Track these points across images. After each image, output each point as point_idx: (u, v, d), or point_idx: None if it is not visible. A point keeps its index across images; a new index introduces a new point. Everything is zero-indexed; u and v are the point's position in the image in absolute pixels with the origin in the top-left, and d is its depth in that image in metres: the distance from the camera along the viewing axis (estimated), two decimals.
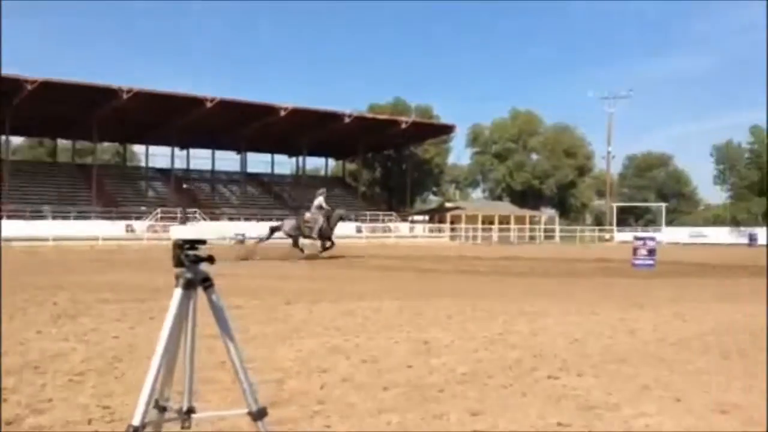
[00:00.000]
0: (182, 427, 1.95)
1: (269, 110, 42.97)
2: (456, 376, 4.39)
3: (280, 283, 11.90)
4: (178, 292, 1.88)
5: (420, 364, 4.73)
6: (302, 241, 21.32)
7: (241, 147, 49.23)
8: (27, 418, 3.31)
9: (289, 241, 21.57)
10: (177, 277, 1.89)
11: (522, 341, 5.71)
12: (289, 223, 21.77)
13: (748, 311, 7.77)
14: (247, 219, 43.15)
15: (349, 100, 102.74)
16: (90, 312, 7.30)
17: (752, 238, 42.94)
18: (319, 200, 22.36)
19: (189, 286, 1.89)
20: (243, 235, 34.94)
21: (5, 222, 34.11)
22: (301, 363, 4.76)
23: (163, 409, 1.97)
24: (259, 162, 56.50)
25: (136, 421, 1.77)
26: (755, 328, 6.39)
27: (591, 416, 3.45)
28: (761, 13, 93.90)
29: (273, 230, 22.01)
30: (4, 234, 31.95)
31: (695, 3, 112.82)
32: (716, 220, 62.28)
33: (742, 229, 48.52)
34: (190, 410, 1.94)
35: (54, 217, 37.60)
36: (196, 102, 40.27)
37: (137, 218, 39.81)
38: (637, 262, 17.39)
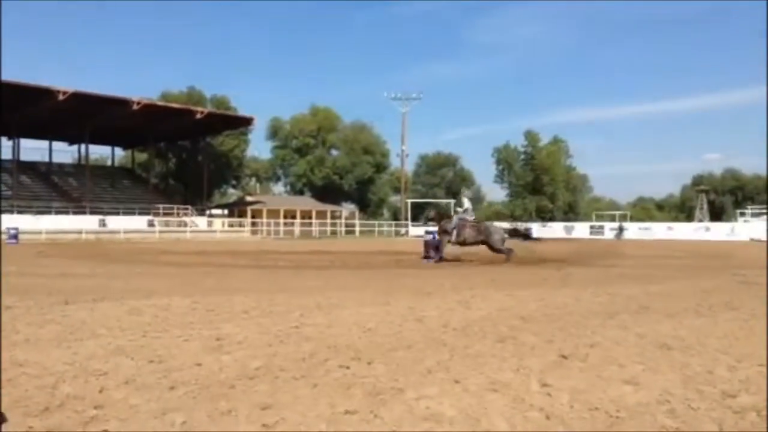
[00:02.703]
0: None
1: (45, 93, 39.02)
2: (248, 371, 4.31)
3: (58, 281, 10.89)
4: None
5: (210, 362, 4.58)
6: None
7: (13, 132, 44.18)
8: None
9: None
10: None
11: (317, 333, 5.77)
12: None
13: (521, 297, 8.59)
14: (21, 212, 38.98)
15: (140, 88, 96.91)
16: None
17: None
18: None
19: None
20: (16, 229, 31.54)
21: None
22: (77, 366, 4.37)
23: None
24: (34, 149, 51.31)
25: None
26: (526, 313, 7.09)
27: (377, 402, 3.58)
28: (549, 22, 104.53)
29: None
30: None
31: (483, 6, 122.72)
32: (497, 216, 68.20)
33: (519, 224, 53.69)
34: None
35: None
36: None
37: None
38: (429, 255, 18.40)
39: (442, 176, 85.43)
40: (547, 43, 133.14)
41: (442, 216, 19.59)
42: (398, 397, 3.69)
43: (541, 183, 67.41)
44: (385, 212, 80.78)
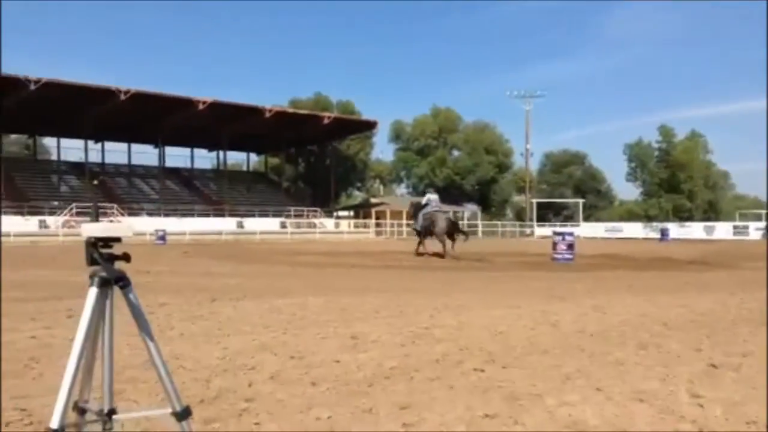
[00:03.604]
0: (104, 429, 1.87)
1: (187, 103, 41.92)
2: (384, 370, 4.41)
3: (204, 280, 11.65)
4: (93, 292, 1.80)
5: (348, 360, 4.72)
6: None
7: (159, 140, 47.77)
8: None
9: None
10: (91, 276, 1.81)
11: (448, 335, 5.80)
12: None
13: (661, 303, 8.17)
14: (167, 215, 42.01)
15: (270, 97, 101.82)
16: (3, 311, 6.91)
17: (663, 233, 45.08)
18: None
19: (104, 285, 1.81)
20: (164, 231, 34.03)
21: None
22: (227, 360, 4.67)
23: (83, 412, 1.89)
24: (178, 156, 55.16)
25: (54, 424, 1.69)
26: (668, 319, 6.73)
27: (516, 407, 3.54)
28: (673, 15, 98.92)
29: None
30: None
31: (607, 3, 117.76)
32: (630, 216, 65.12)
33: (654, 224, 50.94)
34: (112, 411, 1.87)
35: None
36: (109, 93, 38.79)
37: (51, 213, 38.02)
38: (556, 256, 17.99)
39: (569, 174, 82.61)
40: (678, 35, 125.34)
41: (417, 210, 22.08)
42: (537, 402, 3.63)
43: (678, 180, 63.56)
44: (509, 212, 79.47)
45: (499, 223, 61.29)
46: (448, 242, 20.19)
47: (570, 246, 18.09)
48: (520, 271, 14.75)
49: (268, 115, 45.38)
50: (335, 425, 3.23)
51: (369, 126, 55.57)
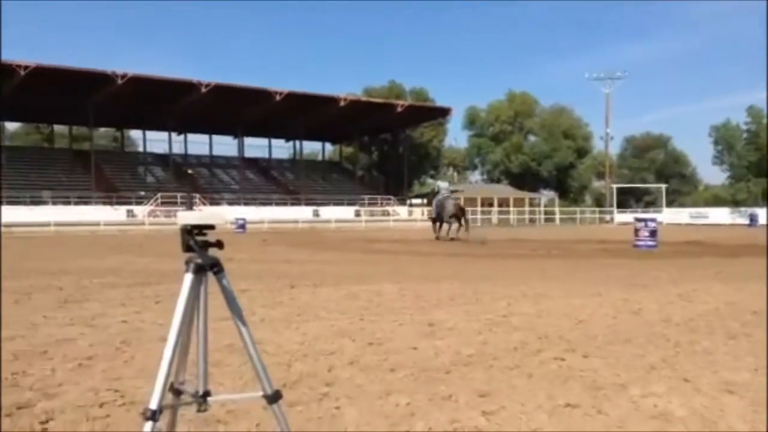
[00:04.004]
0: (199, 410, 1.96)
1: (265, 95, 42.87)
2: (462, 357, 4.40)
3: (283, 266, 11.93)
4: (188, 278, 1.87)
5: (425, 346, 4.74)
6: None
7: (238, 131, 49.08)
8: (39, 402, 3.32)
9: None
10: (187, 263, 1.88)
11: (526, 323, 5.73)
12: None
13: (751, 291, 7.79)
14: (246, 204, 43.19)
15: (344, 84, 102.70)
16: (96, 296, 7.32)
17: (752, 219, 42.88)
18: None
19: (199, 271, 1.88)
20: (243, 220, 34.99)
21: (5, 208, 34.12)
22: (307, 346, 4.77)
23: (178, 393, 1.98)
24: (256, 146, 56.49)
25: (153, 405, 1.77)
26: (759, 307, 6.41)
27: (599, 396, 3.47)
28: None
29: None
30: (5, 220, 32.01)
31: None
32: (716, 201, 62.29)
33: (743, 209, 48.49)
34: (206, 393, 1.95)
35: (54, 203, 37.61)
36: (191, 87, 40.16)
37: (138, 203, 39.80)
38: (638, 243, 17.42)
39: (652, 159, 79.57)
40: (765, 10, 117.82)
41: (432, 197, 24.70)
42: (621, 393, 3.54)
43: None
44: (588, 198, 77.43)
45: (577, 209, 59.77)
46: (455, 225, 22.84)
47: (653, 232, 17.46)
48: (601, 259, 14.36)
49: (342, 104, 45.85)
50: (415, 411, 3.25)
51: (443, 113, 55.29)
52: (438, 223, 23.46)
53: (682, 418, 3.12)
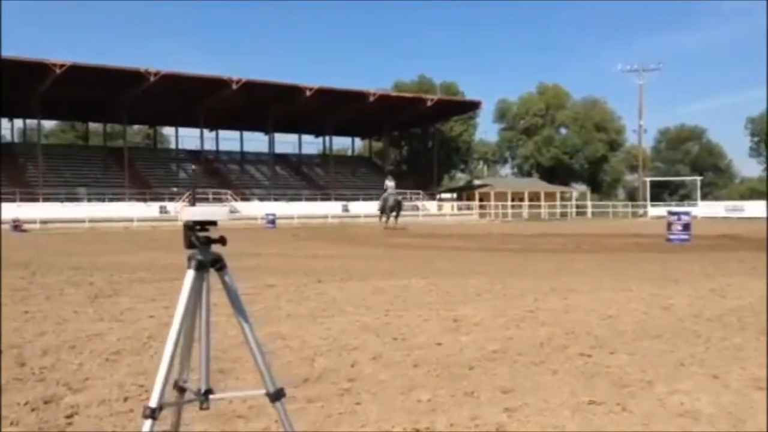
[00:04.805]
0: (201, 408, 1.96)
1: (295, 91, 43.05)
2: (486, 353, 4.36)
3: (311, 262, 11.98)
4: (190, 274, 1.86)
5: (450, 342, 4.71)
6: None
7: (269, 128, 49.42)
8: (65, 397, 3.38)
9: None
10: (189, 259, 1.87)
11: (553, 318, 5.66)
12: None
13: None
14: (277, 199, 43.50)
15: (374, 79, 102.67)
16: (126, 291, 7.44)
17: None
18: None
19: (201, 267, 1.87)
20: (273, 215, 35.25)
21: (41, 205, 34.90)
22: (331, 341, 4.78)
23: (182, 391, 1.98)
24: (286, 143, 56.78)
25: (153, 403, 1.76)
26: None
27: (625, 394, 3.40)
28: None
29: None
30: (41, 216, 32.75)
31: None
32: (752, 194, 60.85)
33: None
34: (209, 391, 1.94)
35: (89, 200, 38.35)
36: (221, 83, 40.51)
37: (170, 199, 40.37)
38: (671, 237, 17.11)
39: (686, 151, 78.03)
40: None
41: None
42: (648, 390, 3.47)
43: None
44: (621, 192, 76.26)
45: (609, 203, 58.94)
46: (393, 216, 28.52)
47: (686, 226, 17.12)
48: (632, 253, 14.13)
49: (372, 99, 45.81)
50: (436, 407, 3.23)
51: (473, 106, 54.92)
52: (382, 214, 29.08)
53: (709, 416, 3.04)
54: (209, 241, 1.88)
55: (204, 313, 1.89)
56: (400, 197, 30.74)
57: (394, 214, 28.42)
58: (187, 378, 1.99)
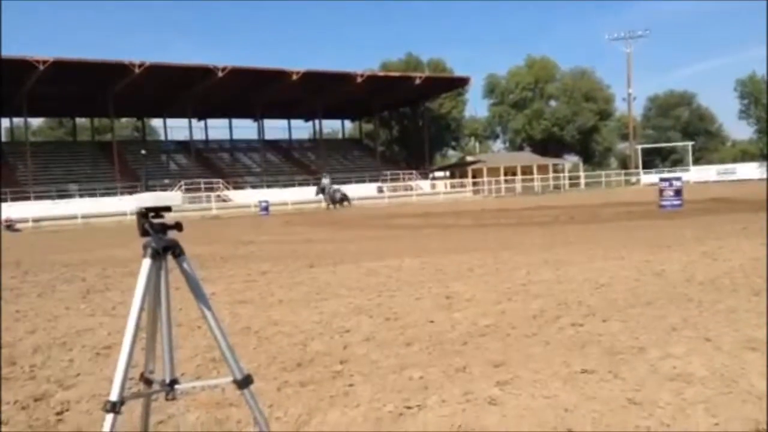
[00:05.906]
0: (167, 399, 1.92)
1: (281, 75, 42.72)
2: (479, 328, 4.35)
3: (304, 247, 11.95)
4: (146, 263, 1.79)
5: (442, 319, 4.70)
6: None
7: (257, 114, 49.09)
8: (56, 394, 3.36)
9: None
10: (144, 247, 1.81)
11: (546, 290, 5.66)
12: None
13: None
14: (269, 186, 43.36)
15: (361, 60, 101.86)
16: (118, 285, 7.40)
17: None
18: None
19: (156, 255, 1.80)
20: (267, 202, 35.17)
21: (32, 203, 34.69)
22: (324, 324, 4.77)
23: (149, 382, 1.94)
24: (276, 128, 56.54)
25: (113, 396, 1.71)
26: None
27: (617, 361, 3.40)
28: None
29: None
30: (32, 215, 32.57)
31: None
32: (744, 156, 60.92)
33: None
34: (174, 381, 1.90)
35: (81, 195, 38.16)
36: (207, 72, 40.17)
37: (162, 191, 40.13)
38: (663, 203, 17.15)
39: (677, 117, 77.88)
40: None
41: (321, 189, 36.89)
42: (639, 356, 3.47)
43: None
44: (613, 161, 76.25)
45: (602, 173, 58.92)
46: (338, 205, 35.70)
47: (678, 192, 17.17)
48: (624, 222, 14.16)
49: (359, 80, 45.51)
50: (428, 385, 3.22)
51: (461, 82, 54.62)
52: (333, 204, 36.04)
53: (701, 378, 3.04)
54: (164, 228, 1.82)
55: (164, 302, 1.85)
56: (342, 190, 38.06)
57: (345, 203, 36.54)
58: (154, 369, 1.95)
